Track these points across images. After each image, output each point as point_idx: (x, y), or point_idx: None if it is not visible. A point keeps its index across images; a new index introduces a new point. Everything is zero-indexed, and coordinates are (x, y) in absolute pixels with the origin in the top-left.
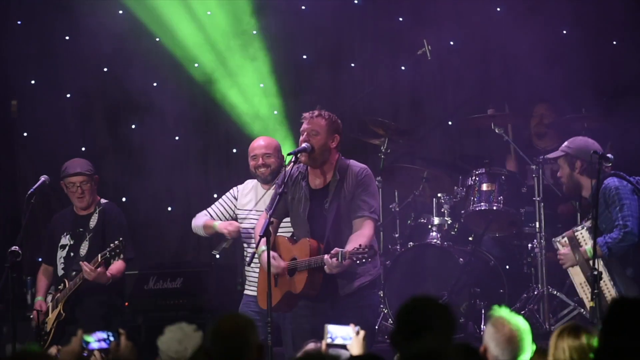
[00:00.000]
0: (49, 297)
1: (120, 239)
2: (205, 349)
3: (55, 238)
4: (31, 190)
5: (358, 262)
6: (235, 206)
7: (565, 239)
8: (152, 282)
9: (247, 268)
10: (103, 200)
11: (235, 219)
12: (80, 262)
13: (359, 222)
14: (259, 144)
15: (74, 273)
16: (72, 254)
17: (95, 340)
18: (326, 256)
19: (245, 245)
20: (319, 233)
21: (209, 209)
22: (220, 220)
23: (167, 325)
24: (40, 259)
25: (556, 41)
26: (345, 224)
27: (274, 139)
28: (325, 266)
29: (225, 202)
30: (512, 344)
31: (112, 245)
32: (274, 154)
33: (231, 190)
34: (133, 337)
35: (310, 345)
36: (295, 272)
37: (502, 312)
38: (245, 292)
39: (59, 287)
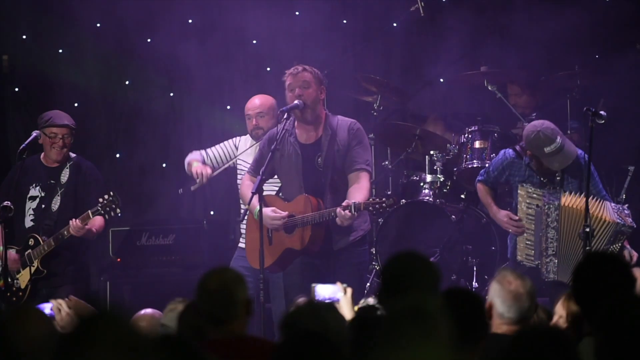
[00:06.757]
0: (12, 251)
1: (112, 192)
2: (193, 305)
3: (21, 188)
4: (23, 145)
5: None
6: (234, 155)
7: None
8: (144, 238)
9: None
10: (72, 155)
11: (229, 165)
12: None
13: (355, 175)
14: (253, 104)
15: (46, 227)
16: (43, 206)
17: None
18: (338, 209)
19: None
20: (312, 188)
21: (208, 149)
22: (212, 163)
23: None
24: None
25: None
26: (340, 178)
27: (269, 97)
28: (337, 218)
29: (225, 148)
30: (519, 301)
31: (102, 200)
32: (268, 113)
33: (233, 139)
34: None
35: (301, 300)
36: (296, 228)
37: (508, 270)
38: (240, 244)
39: (29, 242)
